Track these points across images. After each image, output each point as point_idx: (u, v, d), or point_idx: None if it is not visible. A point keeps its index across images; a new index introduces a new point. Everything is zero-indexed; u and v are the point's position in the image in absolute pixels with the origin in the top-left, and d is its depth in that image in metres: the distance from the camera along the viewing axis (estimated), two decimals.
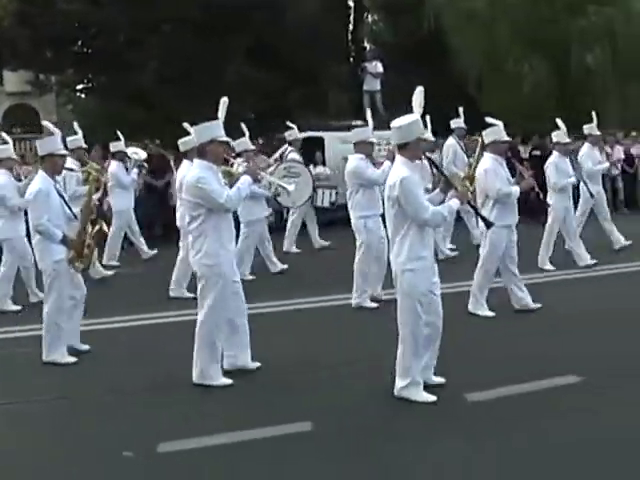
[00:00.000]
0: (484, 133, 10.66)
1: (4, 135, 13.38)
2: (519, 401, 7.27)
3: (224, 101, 8.31)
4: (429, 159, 7.89)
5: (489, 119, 10.56)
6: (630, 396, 7.28)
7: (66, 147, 10.00)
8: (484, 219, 8.83)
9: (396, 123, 7.34)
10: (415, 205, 7.06)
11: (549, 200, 13.77)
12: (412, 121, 7.27)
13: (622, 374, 7.91)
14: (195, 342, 8.02)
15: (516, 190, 10.30)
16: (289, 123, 17.51)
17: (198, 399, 7.66)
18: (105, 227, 9.59)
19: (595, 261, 13.69)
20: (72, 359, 9.06)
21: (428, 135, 14.91)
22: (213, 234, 7.82)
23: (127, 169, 15.54)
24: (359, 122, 22.17)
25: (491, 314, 10.48)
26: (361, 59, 29.20)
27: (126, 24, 26.64)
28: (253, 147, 14.60)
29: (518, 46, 29.75)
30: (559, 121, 13.57)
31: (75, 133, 13.81)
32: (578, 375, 7.84)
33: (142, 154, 16.40)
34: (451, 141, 17.01)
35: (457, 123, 16.95)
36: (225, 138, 8.05)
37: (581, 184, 15.06)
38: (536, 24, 29.75)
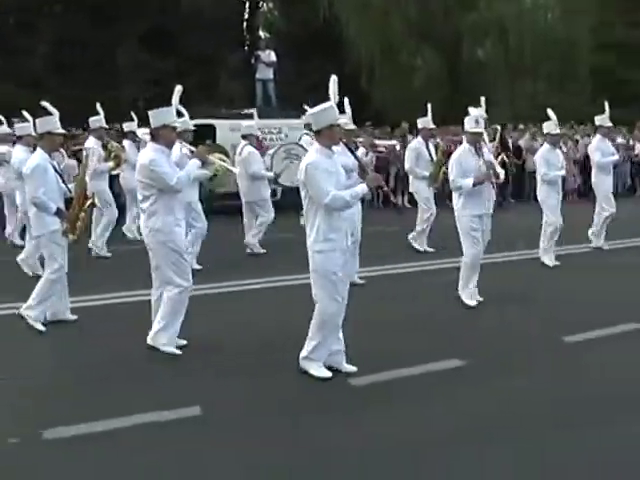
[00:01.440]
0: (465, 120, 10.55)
1: (25, 113, 13.40)
2: (399, 385, 7.26)
3: (178, 89, 8.66)
4: (346, 145, 7.96)
5: (470, 108, 10.52)
6: (509, 381, 7.37)
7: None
8: (395, 205, 8.87)
9: (311, 110, 7.47)
10: (316, 189, 7.19)
11: (538, 193, 13.27)
12: (325, 108, 7.36)
13: (505, 359, 8.02)
14: (159, 313, 8.23)
15: (468, 183, 9.99)
16: (305, 106, 17.41)
17: (92, 383, 7.46)
18: (97, 201, 9.89)
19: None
20: (42, 327, 9.20)
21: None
22: (166, 212, 8.05)
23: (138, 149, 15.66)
24: (251, 110, 22.22)
25: (473, 303, 10.27)
26: (255, 47, 29.18)
27: (15, 7, 26.08)
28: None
29: (411, 39, 30.17)
30: (550, 111, 13.15)
31: (97, 114, 14.48)
32: (461, 359, 7.90)
33: None
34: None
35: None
36: (176, 123, 8.27)
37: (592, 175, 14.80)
38: (429, 18, 30.23)
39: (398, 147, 20.35)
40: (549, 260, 12.99)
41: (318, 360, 7.47)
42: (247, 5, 35.92)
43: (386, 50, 30.00)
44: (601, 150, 14.55)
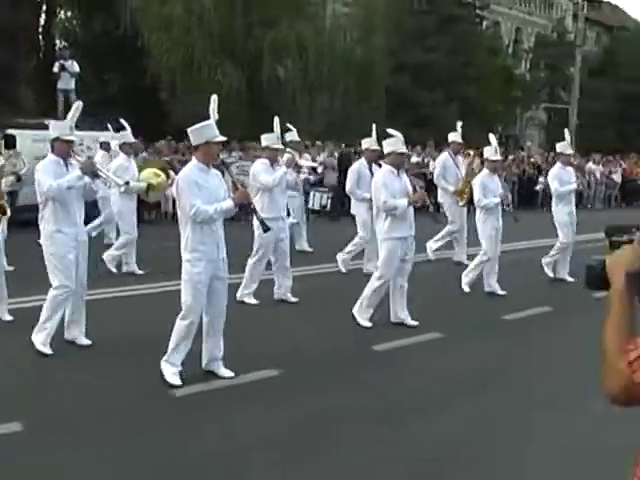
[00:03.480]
0: (384, 144, 10.50)
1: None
2: (218, 395, 7.50)
3: (77, 105, 9.00)
4: (223, 162, 8.37)
5: (390, 130, 10.51)
6: (322, 386, 7.79)
7: None
8: (262, 223, 8.98)
9: (191, 127, 7.88)
10: (183, 201, 7.67)
11: (477, 220, 12.75)
12: (202, 126, 7.82)
13: (318, 367, 8.43)
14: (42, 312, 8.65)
15: (403, 204, 10.01)
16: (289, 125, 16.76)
17: None
18: (7, 207, 10.16)
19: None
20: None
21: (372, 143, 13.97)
22: (49, 218, 8.65)
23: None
24: (52, 121, 21.68)
25: (368, 324, 10.20)
26: (52, 56, 28.49)
27: None
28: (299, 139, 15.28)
29: (213, 55, 30.26)
30: (491, 136, 13.11)
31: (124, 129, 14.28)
32: (277, 368, 8.18)
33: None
34: (444, 155, 16.23)
35: (455, 137, 16.19)
36: (67, 137, 8.70)
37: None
38: (231, 34, 30.44)
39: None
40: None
41: (174, 364, 7.74)
42: (43, 11, 35.05)
43: (187, 65, 29.95)
44: (559, 178, 14.18)
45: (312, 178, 16.87)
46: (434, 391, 7.83)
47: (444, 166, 15.93)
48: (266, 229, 8.97)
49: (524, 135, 35.27)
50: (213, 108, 8.14)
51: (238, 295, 11.08)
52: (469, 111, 38.63)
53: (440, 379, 8.22)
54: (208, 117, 7.98)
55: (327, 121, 31.31)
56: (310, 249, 16.08)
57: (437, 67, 39.26)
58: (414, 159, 24.59)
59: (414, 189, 10.40)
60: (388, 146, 10.41)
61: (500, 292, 12.55)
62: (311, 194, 18.63)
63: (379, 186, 10.17)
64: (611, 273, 2.50)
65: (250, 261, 11.39)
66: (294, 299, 11.50)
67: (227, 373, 7.95)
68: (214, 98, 8.26)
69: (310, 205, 18.15)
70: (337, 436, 6.50)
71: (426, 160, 26.97)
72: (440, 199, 15.38)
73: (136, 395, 7.42)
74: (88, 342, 8.92)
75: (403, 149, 10.43)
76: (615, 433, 6.26)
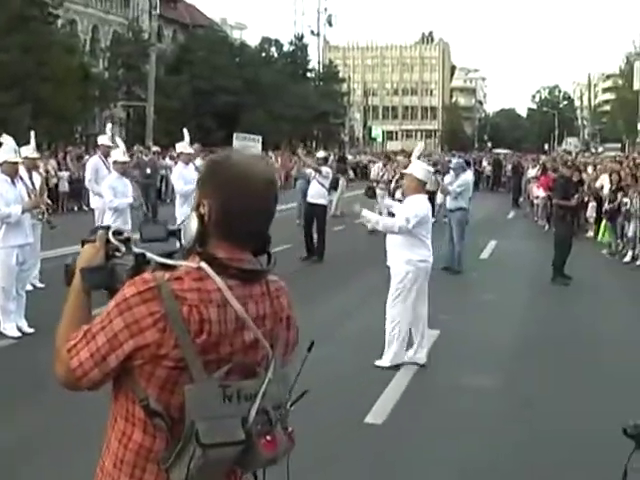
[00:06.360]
0: None
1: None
2: None
3: None
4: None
5: (4, 138, 10.07)
6: None
7: None
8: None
9: None
10: None
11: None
12: None
13: None
14: None
15: (17, 211, 9.73)
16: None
17: None
18: None
19: None
20: None
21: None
22: None
23: None
24: None
25: (17, 334, 9.86)
26: None
27: None
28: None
29: None
30: (119, 140, 13.27)
31: None
32: None
33: None
34: (95, 159, 15.32)
35: (103, 140, 15.49)
36: None
37: None
38: None
39: None
40: None
41: None
42: None
43: None
44: (183, 177, 14.74)
45: None
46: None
47: (95, 169, 15.07)
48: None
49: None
50: None
51: None
52: (44, 111, 38.51)
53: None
54: None
55: None
56: None
57: (10, 67, 38.54)
58: None
59: (29, 195, 10.33)
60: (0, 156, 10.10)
61: None
62: None
63: None
64: (76, 270, 2.62)
65: None
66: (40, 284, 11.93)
67: None
68: None
69: None
70: None
71: None
72: (92, 205, 14.98)
73: None
74: None
75: (16, 159, 10.12)
76: None
